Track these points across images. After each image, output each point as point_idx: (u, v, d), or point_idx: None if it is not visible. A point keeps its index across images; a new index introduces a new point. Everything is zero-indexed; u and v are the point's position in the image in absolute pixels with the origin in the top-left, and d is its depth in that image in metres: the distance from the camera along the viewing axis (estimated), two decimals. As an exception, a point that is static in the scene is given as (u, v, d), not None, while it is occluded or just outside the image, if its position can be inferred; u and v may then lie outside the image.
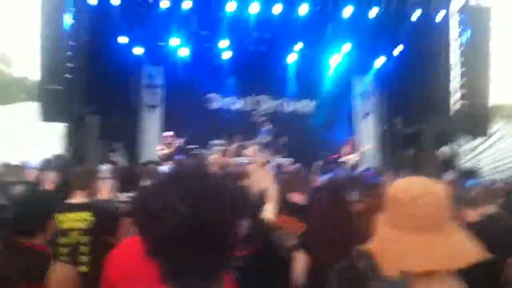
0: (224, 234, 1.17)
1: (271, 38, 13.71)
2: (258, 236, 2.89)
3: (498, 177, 9.29)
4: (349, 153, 11.76)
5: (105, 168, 6.69)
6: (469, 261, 1.25)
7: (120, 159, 9.98)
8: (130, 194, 5.03)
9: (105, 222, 3.46)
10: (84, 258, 3.34)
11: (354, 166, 11.18)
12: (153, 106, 14.77)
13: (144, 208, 1.14)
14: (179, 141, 11.82)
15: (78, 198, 3.60)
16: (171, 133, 11.96)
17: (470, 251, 1.27)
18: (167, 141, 11.69)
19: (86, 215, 3.46)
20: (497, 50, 12.17)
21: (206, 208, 1.11)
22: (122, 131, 13.28)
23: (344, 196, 3.20)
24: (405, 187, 1.35)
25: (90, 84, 11.05)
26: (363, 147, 12.08)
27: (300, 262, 2.93)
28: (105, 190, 4.34)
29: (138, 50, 13.84)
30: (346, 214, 3.01)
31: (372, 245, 1.39)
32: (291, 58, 14.34)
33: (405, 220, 1.30)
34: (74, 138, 10.78)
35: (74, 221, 3.41)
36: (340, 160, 11.52)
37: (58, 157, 8.31)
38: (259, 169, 3.94)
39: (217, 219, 1.13)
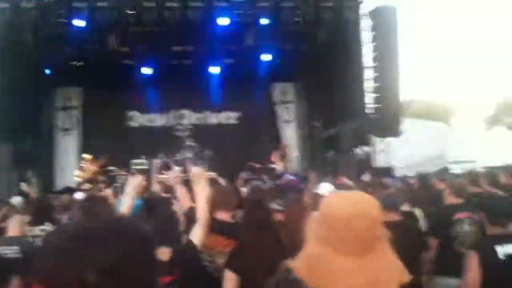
0: None
1: (193, 51, 13.57)
2: (184, 260, 2.83)
3: (411, 172, 9.84)
4: (278, 161, 11.91)
5: (16, 200, 6.24)
6: (396, 285, 1.24)
7: (32, 189, 9.33)
8: (44, 227, 4.72)
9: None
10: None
11: (281, 173, 11.34)
12: (68, 129, 14.06)
13: (45, 276, 0.93)
14: (97, 164, 11.42)
15: None
16: (89, 156, 11.50)
17: (398, 274, 1.27)
18: (84, 165, 11.24)
19: None
20: (404, 49, 12.91)
21: (121, 275, 0.92)
22: (36, 158, 12.51)
23: (266, 208, 3.20)
24: (339, 205, 1.28)
25: (1, 111, 10.31)
26: (289, 154, 12.25)
27: (229, 281, 2.88)
28: (14, 225, 4.00)
29: (51, 71, 13.11)
30: (269, 227, 3.00)
31: (299, 261, 1.33)
32: (213, 70, 14.22)
33: (336, 240, 1.25)
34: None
35: None
36: (268, 168, 11.62)
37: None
38: (182, 187, 3.88)
39: (136, 282, 0.95)
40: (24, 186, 7.58)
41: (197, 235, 2.93)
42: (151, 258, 1.02)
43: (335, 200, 1.34)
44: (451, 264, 3.68)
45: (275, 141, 14.28)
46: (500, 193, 4.81)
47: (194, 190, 3.71)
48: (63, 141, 13.98)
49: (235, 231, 3.26)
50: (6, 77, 10.59)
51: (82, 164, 11.87)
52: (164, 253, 2.73)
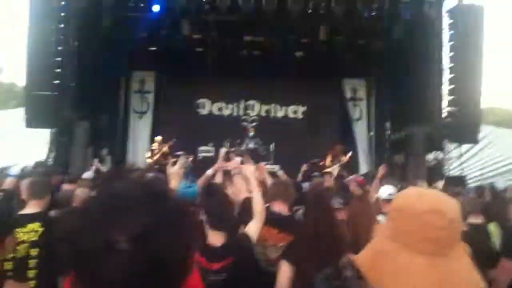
0: (177, 273, 0.90)
1: (264, 42, 13.54)
2: (237, 248, 2.83)
3: (484, 183, 9.21)
4: (333, 160, 11.60)
5: (87, 174, 6.59)
6: None
7: (105, 167, 9.87)
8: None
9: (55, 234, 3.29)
10: (32, 273, 3.15)
11: (339, 173, 11.06)
12: (142, 113, 14.66)
13: (69, 244, 0.83)
14: (166, 147, 11.82)
15: (31, 208, 3.43)
16: (159, 138, 11.91)
17: (473, 282, 1.13)
18: (154, 148, 11.67)
19: (37, 226, 3.27)
20: (489, 53, 11.97)
21: (155, 242, 0.83)
22: (110, 137, 13.21)
23: (329, 204, 3.11)
24: (414, 199, 1.16)
25: (79, 90, 10.91)
26: (345, 155, 11.79)
27: (284, 273, 2.85)
28: (82, 198, 4.19)
29: (127, 55, 13.71)
30: (331, 222, 2.93)
31: (363, 256, 1.23)
32: (283, 62, 13.98)
33: (407, 236, 1.13)
34: (60, 144, 10.64)
35: (24, 233, 3.23)
36: (324, 167, 11.36)
37: (38, 164, 8.14)
38: (243, 179, 3.88)
39: (170, 257, 0.85)
40: (96, 163, 7.98)
41: (253, 226, 2.93)
42: (187, 228, 0.92)
43: (411, 194, 1.21)
44: None
45: (341, 139, 13.94)
46: None
47: (251, 182, 3.70)
48: (137, 123, 14.59)
49: (289, 225, 3.22)
50: (84, 59, 11.11)
51: (152, 147, 12.34)
52: (217, 238, 2.75)
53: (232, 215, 3.06)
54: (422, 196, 1.16)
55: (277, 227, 3.20)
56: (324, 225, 2.87)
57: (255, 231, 2.95)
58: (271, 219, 3.22)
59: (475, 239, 3.45)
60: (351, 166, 12.85)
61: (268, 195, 3.54)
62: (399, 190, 5.20)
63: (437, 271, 1.08)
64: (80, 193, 4.26)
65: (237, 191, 3.79)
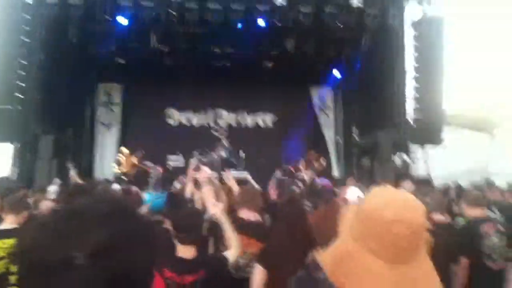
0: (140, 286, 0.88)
1: (232, 53, 13.62)
2: (208, 261, 2.82)
3: (449, 183, 9.51)
4: (307, 166, 11.73)
5: (52, 188, 6.43)
6: None
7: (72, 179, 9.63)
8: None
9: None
10: (14, 290, 3.08)
11: (314, 178, 11.17)
12: (109, 125, 14.45)
13: (25, 259, 0.81)
14: (135, 158, 11.71)
15: (8, 223, 3.34)
16: (126, 150, 11.81)
17: (434, 286, 1.16)
18: (120, 158, 11.56)
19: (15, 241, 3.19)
20: (450, 60, 12.49)
21: (114, 259, 0.81)
22: (76, 150, 12.94)
23: (302, 208, 3.14)
24: (382, 206, 1.14)
25: (44, 103, 10.68)
26: (319, 161, 11.97)
27: (258, 278, 2.86)
28: (45, 212, 4.10)
29: (94, 68, 13.53)
30: (304, 227, 2.95)
31: (327, 254, 1.23)
32: (252, 72, 14.10)
33: (372, 241, 1.13)
34: (24, 159, 10.36)
35: (3, 249, 3.16)
36: (297, 173, 11.46)
37: (2, 179, 7.88)
38: (209, 189, 3.87)
39: (129, 273, 0.83)
40: (72, 174, 7.82)
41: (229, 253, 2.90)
42: (149, 244, 0.90)
43: (379, 200, 1.19)
44: (485, 283, 3.43)
45: (312, 146, 14.11)
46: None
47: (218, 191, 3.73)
48: (103, 135, 14.37)
49: (257, 231, 3.22)
50: (51, 71, 10.91)
51: (118, 158, 12.19)
52: (187, 251, 2.71)
53: (201, 227, 3.02)
54: (390, 204, 1.15)
55: (245, 234, 3.19)
56: (297, 229, 2.88)
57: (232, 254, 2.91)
58: (239, 226, 3.21)
59: (439, 237, 3.57)
60: (326, 172, 13.05)
61: (236, 202, 3.54)
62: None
63: (396, 278, 1.10)
64: (44, 206, 4.16)
65: (205, 200, 3.77)
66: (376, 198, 1.20)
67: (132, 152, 12.23)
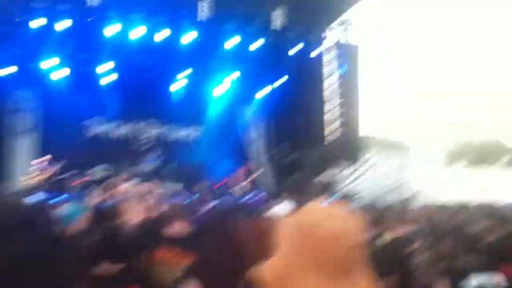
0: None
1: (155, 65, 13.37)
2: (139, 275, 2.72)
3: (372, 200, 10.00)
4: (240, 180, 11.86)
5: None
6: None
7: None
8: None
9: None
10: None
11: (244, 193, 11.28)
12: (22, 133, 13.39)
13: None
14: (52, 169, 10.97)
15: None
16: (45, 158, 11.06)
17: None
18: (37, 169, 10.78)
19: None
20: (368, 85, 13.52)
21: (20, 272, 0.79)
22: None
23: (231, 222, 3.10)
24: (318, 221, 1.14)
25: None
26: (252, 175, 12.16)
27: None
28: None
29: (3, 73, 12.51)
30: (233, 240, 2.92)
31: (265, 271, 1.19)
32: (176, 86, 14.15)
33: (309, 258, 1.12)
34: None
35: None
36: (231, 186, 11.54)
37: None
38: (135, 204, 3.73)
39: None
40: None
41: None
42: (59, 260, 0.88)
43: (315, 216, 1.18)
44: None
45: (240, 161, 14.20)
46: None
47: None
48: (15, 145, 13.29)
49: (189, 244, 3.15)
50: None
51: (31, 170, 11.36)
52: (110, 269, 2.57)
53: (126, 243, 2.89)
54: (326, 220, 1.15)
55: (177, 247, 3.11)
56: (229, 243, 2.86)
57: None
58: (170, 240, 3.13)
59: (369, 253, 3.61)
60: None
61: (164, 217, 3.45)
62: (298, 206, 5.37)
63: None
64: None
65: (132, 215, 3.61)
66: (312, 215, 1.20)
67: (51, 162, 11.50)
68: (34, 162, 11.27)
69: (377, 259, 3.64)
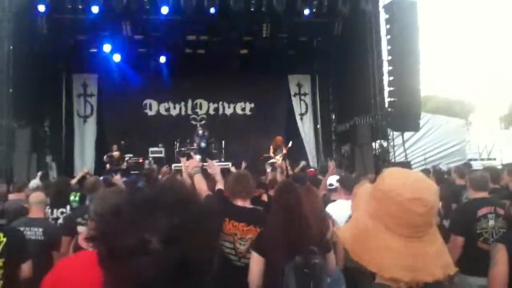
0: (204, 273, 0.94)
1: (207, 40, 13.51)
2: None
3: (428, 167, 9.76)
4: (275, 151, 11.86)
5: (34, 183, 6.32)
6: (442, 275, 1.20)
7: (52, 173, 9.53)
8: (63, 209, 4.79)
9: (18, 244, 3.19)
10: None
11: (282, 165, 11.34)
12: (86, 116, 14.21)
13: (104, 243, 0.88)
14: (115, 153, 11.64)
15: None
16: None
17: (445, 265, 1.23)
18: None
19: None
20: (424, 43, 12.61)
21: (185, 243, 0.87)
22: (55, 143, 12.75)
23: (298, 194, 3.18)
24: (402, 187, 1.20)
25: (17, 97, 10.39)
26: (286, 146, 12.04)
27: (255, 265, 2.91)
28: (37, 207, 4.05)
29: (68, 58, 13.22)
30: (299, 212, 3.01)
31: (346, 231, 1.30)
32: (228, 60, 13.95)
33: (389, 219, 1.20)
34: (1, 153, 10.11)
35: None
36: (269, 159, 11.59)
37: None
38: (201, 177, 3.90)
39: (197, 257, 0.90)
40: (44, 170, 7.64)
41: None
42: (211, 230, 0.97)
43: (396, 178, 1.25)
44: (476, 263, 3.55)
45: (287, 133, 14.25)
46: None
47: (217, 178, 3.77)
48: (81, 127, 14.13)
49: (255, 217, 3.27)
50: (23, 63, 10.63)
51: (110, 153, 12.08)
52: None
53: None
54: (407, 182, 1.22)
55: (243, 221, 3.25)
56: (293, 214, 2.94)
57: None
58: (236, 213, 3.28)
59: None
60: (299, 159, 13.22)
61: (230, 191, 3.56)
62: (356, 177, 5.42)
63: (412, 253, 1.18)
64: (36, 200, 4.09)
65: (199, 189, 3.78)
66: (392, 178, 1.26)
67: (112, 144, 12.15)
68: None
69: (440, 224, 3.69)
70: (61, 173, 11.96)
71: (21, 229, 3.70)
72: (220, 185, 4.00)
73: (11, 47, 10.34)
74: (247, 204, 3.43)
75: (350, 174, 6.39)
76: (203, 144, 12.39)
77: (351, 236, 1.28)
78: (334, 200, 4.58)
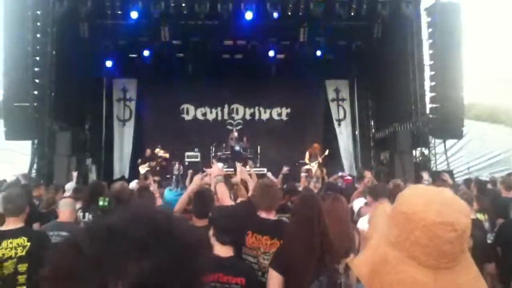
0: None
1: (244, 45, 13.51)
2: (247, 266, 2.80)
3: (471, 177, 9.29)
4: (311, 158, 11.68)
5: (70, 185, 6.42)
6: None
7: (92, 175, 9.73)
8: (95, 213, 4.80)
9: (42, 248, 3.14)
10: (23, 289, 3.07)
11: (320, 173, 11.14)
12: (125, 120, 14.51)
13: (57, 286, 0.73)
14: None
15: (11, 223, 3.27)
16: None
17: None
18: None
19: (23, 241, 3.16)
20: (467, 47, 11.94)
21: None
22: (94, 146, 13.07)
23: (319, 207, 3.00)
24: (423, 206, 1.02)
25: (59, 100, 10.72)
26: (322, 153, 11.82)
27: (273, 281, 2.72)
28: (66, 211, 4.06)
29: (109, 63, 13.56)
30: (323, 228, 2.82)
31: (363, 263, 1.10)
32: (265, 65, 14.01)
33: (413, 246, 1.02)
34: (42, 155, 10.43)
35: (10, 249, 3.13)
36: (304, 167, 11.42)
37: (23, 176, 7.90)
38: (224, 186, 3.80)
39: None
40: (74, 174, 7.72)
41: None
42: (199, 271, 0.80)
43: (417, 199, 1.05)
44: None
45: (324, 139, 14.03)
46: None
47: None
48: (120, 131, 14.43)
49: (279, 230, 3.12)
50: (65, 67, 10.94)
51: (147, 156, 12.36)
52: (225, 251, 2.67)
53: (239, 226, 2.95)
54: (431, 204, 1.03)
55: (267, 234, 3.11)
56: (316, 231, 2.75)
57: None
58: (260, 226, 3.15)
59: (473, 235, 3.39)
60: (335, 166, 12.96)
61: (254, 202, 3.43)
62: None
63: (443, 285, 1.00)
64: (63, 203, 4.12)
65: (222, 199, 3.68)
66: (414, 199, 1.06)
67: (150, 147, 12.39)
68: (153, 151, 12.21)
69: (483, 241, 3.44)
70: (100, 176, 12.24)
71: (50, 233, 3.72)
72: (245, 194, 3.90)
73: (54, 52, 10.69)
74: (271, 215, 3.29)
75: (384, 183, 6.10)
76: (237, 148, 12.35)
77: (367, 268, 1.08)
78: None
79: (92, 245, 0.73)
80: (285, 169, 7.46)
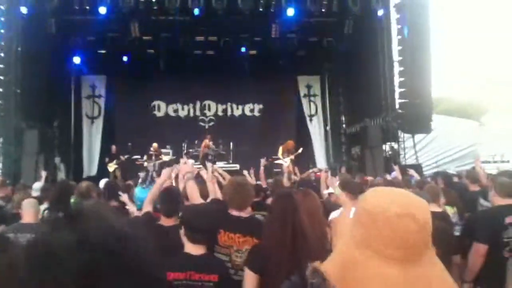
0: None
1: (218, 41, 13.42)
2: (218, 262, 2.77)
3: (439, 171, 9.51)
4: (284, 154, 11.73)
5: (37, 185, 6.25)
6: None
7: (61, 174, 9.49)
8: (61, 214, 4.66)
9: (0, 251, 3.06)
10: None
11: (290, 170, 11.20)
12: (94, 117, 14.22)
13: None
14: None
15: None
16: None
17: (445, 287, 1.06)
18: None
19: None
20: (436, 43, 12.20)
21: None
22: (63, 144, 12.76)
23: (295, 204, 2.98)
24: (385, 202, 1.05)
25: (25, 97, 10.41)
26: (296, 150, 11.88)
27: (248, 280, 2.71)
28: (29, 211, 3.93)
29: (77, 59, 13.24)
30: (298, 227, 2.80)
31: (331, 265, 1.11)
32: (236, 61, 13.92)
33: (378, 242, 1.03)
34: (9, 154, 10.13)
35: None
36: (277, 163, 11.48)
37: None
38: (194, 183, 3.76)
39: None
40: (43, 174, 7.52)
41: None
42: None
43: (380, 195, 1.09)
44: (500, 273, 3.37)
45: (296, 135, 14.10)
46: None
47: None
48: (89, 128, 14.15)
49: (251, 227, 3.10)
50: (31, 64, 10.64)
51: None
52: (196, 249, 2.65)
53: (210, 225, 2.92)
54: (393, 200, 1.06)
55: (239, 232, 3.10)
56: (288, 226, 2.73)
57: None
58: (232, 224, 3.12)
59: (439, 228, 3.45)
60: (307, 161, 13.06)
61: (226, 200, 3.40)
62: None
63: (410, 279, 1.01)
64: (27, 204, 3.98)
65: (192, 197, 3.64)
66: (377, 197, 1.10)
67: (120, 145, 12.17)
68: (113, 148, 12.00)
69: (449, 234, 3.51)
70: (69, 174, 11.98)
71: (11, 235, 3.60)
72: (215, 192, 3.89)
73: (19, 48, 10.37)
74: (243, 213, 3.28)
75: (351, 177, 6.17)
76: (210, 158, 12.16)
77: (335, 269, 1.09)
78: (337, 205, 4.38)
79: (27, 269, 0.67)
80: (263, 161, 7.48)
